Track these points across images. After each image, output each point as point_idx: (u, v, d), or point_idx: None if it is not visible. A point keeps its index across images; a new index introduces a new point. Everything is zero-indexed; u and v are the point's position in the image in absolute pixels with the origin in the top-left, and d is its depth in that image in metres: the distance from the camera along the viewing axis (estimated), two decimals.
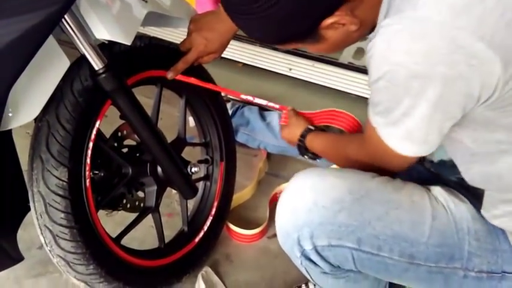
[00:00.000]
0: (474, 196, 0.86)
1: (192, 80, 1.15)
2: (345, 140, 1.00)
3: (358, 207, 0.82)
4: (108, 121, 1.09)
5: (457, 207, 0.86)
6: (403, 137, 0.76)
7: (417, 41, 0.67)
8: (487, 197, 0.84)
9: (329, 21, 0.73)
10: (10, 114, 0.83)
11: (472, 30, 0.65)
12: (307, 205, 0.83)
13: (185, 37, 1.11)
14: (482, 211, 0.85)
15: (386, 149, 0.79)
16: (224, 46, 1.11)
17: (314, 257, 0.86)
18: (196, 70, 1.17)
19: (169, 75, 1.12)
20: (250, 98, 1.21)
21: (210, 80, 1.26)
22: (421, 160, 0.95)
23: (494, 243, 0.85)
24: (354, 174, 0.87)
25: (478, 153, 0.80)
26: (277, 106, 1.22)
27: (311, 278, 0.95)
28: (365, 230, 0.82)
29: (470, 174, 0.85)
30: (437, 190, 0.88)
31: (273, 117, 1.70)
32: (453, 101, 0.71)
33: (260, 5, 0.68)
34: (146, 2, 0.96)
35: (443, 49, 0.66)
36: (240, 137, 1.69)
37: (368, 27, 0.79)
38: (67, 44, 0.89)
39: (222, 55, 1.16)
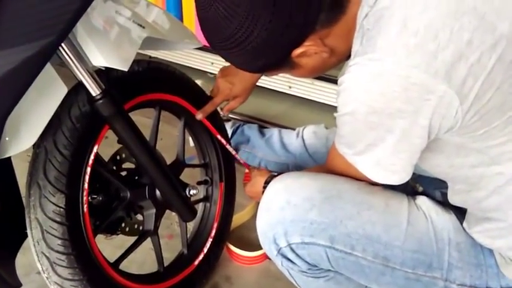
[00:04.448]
0: (458, 210, 0.88)
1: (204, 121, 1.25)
2: (310, 170, 1.05)
3: (328, 206, 0.85)
4: (109, 143, 1.09)
5: (440, 217, 0.87)
6: (373, 163, 0.79)
7: (374, 80, 0.71)
8: (469, 215, 0.86)
9: (299, 51, 0.77)
10: (7, 139, 0.83)
11: (425, 68, 0.68)
12: (280, 204, 0.87)
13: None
14: (464, 224, 0.86)
15: (351, 171, 0.83)
16: (248, 90, 1.21)
17: (290, 255, 0.88)
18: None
19: (199, 116, 1.22)
20: (223, 141, 1.30)
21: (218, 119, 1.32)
22: None
23: (478, 257, 0.85)
24: (327, 177, 0.90)
25: (456, 178, 0.83)
26: (242, 162, 1.36)
27: (294, 281, 0.96)
28: (337, 228, 0.84)
29: (450, 197, 0.87)
30: (421, 199, 0.90)
31: (273, 132, 1.70)
32: (415, 134, 0.74)
33: (232, 41, 0.76)
34: (144, 28, 0.96)
35: (398, 87, 0.70)
36: (240, 155, 1.68)
37: (344, 54, 0.82)
38: (67, 67, 0.89)
39: None
